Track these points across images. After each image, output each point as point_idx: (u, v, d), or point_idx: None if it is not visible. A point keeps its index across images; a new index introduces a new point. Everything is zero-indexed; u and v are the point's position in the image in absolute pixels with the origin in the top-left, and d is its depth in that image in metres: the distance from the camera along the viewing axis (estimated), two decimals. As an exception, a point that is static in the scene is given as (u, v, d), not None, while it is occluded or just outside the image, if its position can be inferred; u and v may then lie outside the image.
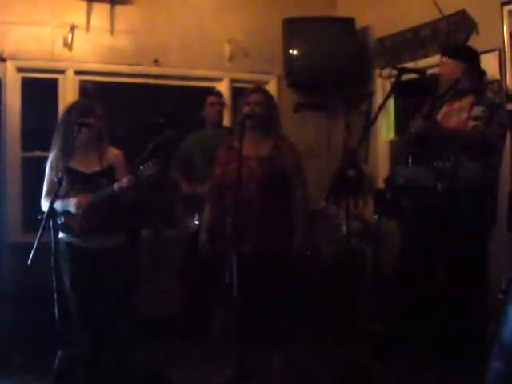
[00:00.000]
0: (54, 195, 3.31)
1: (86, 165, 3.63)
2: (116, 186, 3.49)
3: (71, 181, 3.57)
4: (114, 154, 3.72)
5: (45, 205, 3.57)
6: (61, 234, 3.60)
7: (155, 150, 3.81)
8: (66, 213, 3.55)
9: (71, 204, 3.52)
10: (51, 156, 3.69)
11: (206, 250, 3.78)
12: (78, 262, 3.57)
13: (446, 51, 3.74)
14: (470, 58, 3.67)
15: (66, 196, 3.55)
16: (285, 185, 3.71)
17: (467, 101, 3.57)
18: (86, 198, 3.52)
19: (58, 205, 3.51)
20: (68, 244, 3.60)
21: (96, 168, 3.63)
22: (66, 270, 3.56)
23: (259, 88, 3.99)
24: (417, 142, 3.64)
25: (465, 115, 3.53)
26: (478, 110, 3.48)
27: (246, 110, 3.70)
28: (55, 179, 3.48)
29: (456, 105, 3.63)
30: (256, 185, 3.61)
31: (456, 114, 3.61)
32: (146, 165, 3.48)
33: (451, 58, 3.64)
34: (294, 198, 3.72)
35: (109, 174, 3.61)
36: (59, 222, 3.58)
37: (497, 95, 3.58)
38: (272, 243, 3.62)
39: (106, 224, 3.56)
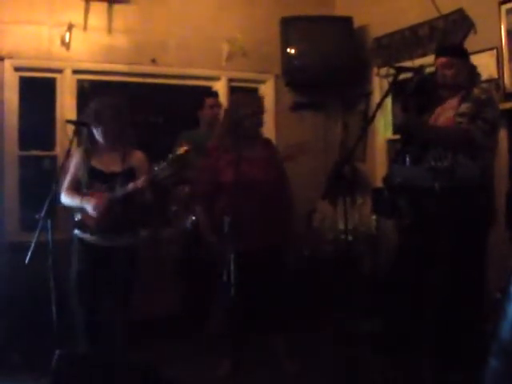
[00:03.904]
0: (52, 194, 3.31)
1: (107, 165, 3.65)
2: (130, 186, 3.50)
3: (90, 179, 3.61)
4: (137, 156, 3.72)
5: (64, 198, 3.66)
6: (75, 231, 3.65)
7: (175, 161, 3.82)
8: (82, 210, 3.59)
9: (89, 204, 3.54)
10: (76, 153, 3.75)
11: (212, 253, 3.85)
12: (87, 259, 3.62)
13: (443, 51, 3.77)
14: (465, 54, 3.71)
15: (84, 194, 3.60)
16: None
17: (457, 98, 3.62)
18: (102, 199, 3.52)
19: (75, 201, 3.58)
20: (80, 240, 3.64)
21: (116, 169, 3.64)
22: (74, 266, 3.61)
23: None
24: (404, 139, 3.71)
25: (451, 113, 3.57)
26: (464, 107, 3.52)
27: (245, 110, 3.81)
28: (76, 176, 3.63)
29: (448, 104, 3.67)
30: (267, 185, 3.77)
31: (446, 113, 3.65)
32: (160, 166, 3.48)
33: (448, 57, 3.68)
34: (284, 195, 3.97)
35: (129, 175, 3.59)
36: (75, 218, 3.64)
37: (484, 92, 3.59)
38: (274, 240, 3.82)
39: (121, 223, 3.58)
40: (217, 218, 3.73)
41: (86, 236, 3.63)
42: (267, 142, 4.06)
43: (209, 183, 3.86)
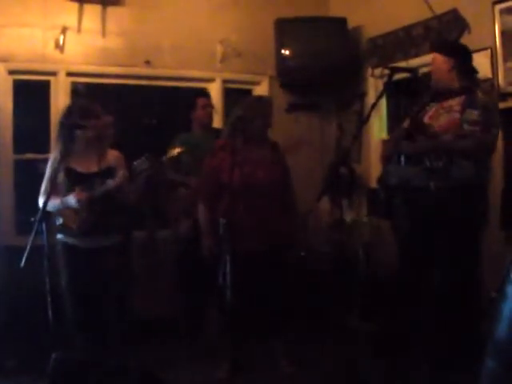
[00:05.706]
0: (46, 198, 3.31)
1: (85, 165, 3.66)
2: (110, 182, 3.51)
3: (70, 181, 3.60)
4: (113, 155, 3.75)
5: (41, 202, 3.59)
6: (58, 235, 3.63)
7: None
8: (64, 213, 3.57)
9: (70, 199, 3.53)
10: (52, 156, 3.72)
11: (212, 253, 3.82)
12: (74, 262, 3.60)
13: (435, 47, 3.77)
14: (459, 52, 3.70)
15: (64, 196, 3.57)
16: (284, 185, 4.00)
17: (458, 100, 3.57)
18: (83, 193, 3.52)
19: (55, 204, 3.55)
20: (64, 244, 3.62)
21: (94, 169, 3.64)
22: (63, 270, 3.60)
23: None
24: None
25: (456, 116, 3.53)
26: (472, 114, 3.46)
27: (239, 112, 3.82)
28: (54, 179, 3.51)
29: (446, 104, 3.64)
30: (271, 186, 3.83)
31: (445, 113, 3.62)
32: (138, 160, 3.50)
33: (439, 53, 3.68)
34: (289, 197, 4.01)
35: (107, 175, 3.60)
36: (57, 222, 3.62)
37: (488, 95, 3.58)
38: (278, 241, 3.86)
39: (103, 223, 3.58)
40: (220, 218, 3.73)
41: (69, 239, 3.62)
42: (274, 144, 4.08)
43: (212, 182, 3.86)
